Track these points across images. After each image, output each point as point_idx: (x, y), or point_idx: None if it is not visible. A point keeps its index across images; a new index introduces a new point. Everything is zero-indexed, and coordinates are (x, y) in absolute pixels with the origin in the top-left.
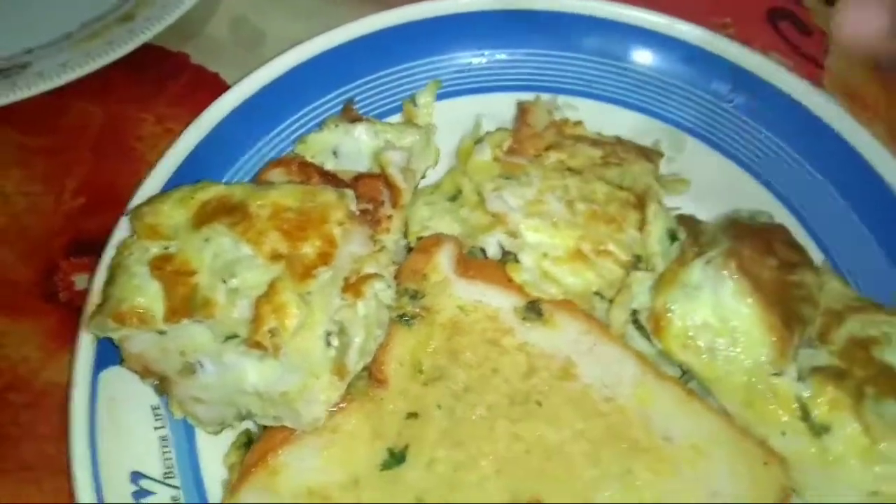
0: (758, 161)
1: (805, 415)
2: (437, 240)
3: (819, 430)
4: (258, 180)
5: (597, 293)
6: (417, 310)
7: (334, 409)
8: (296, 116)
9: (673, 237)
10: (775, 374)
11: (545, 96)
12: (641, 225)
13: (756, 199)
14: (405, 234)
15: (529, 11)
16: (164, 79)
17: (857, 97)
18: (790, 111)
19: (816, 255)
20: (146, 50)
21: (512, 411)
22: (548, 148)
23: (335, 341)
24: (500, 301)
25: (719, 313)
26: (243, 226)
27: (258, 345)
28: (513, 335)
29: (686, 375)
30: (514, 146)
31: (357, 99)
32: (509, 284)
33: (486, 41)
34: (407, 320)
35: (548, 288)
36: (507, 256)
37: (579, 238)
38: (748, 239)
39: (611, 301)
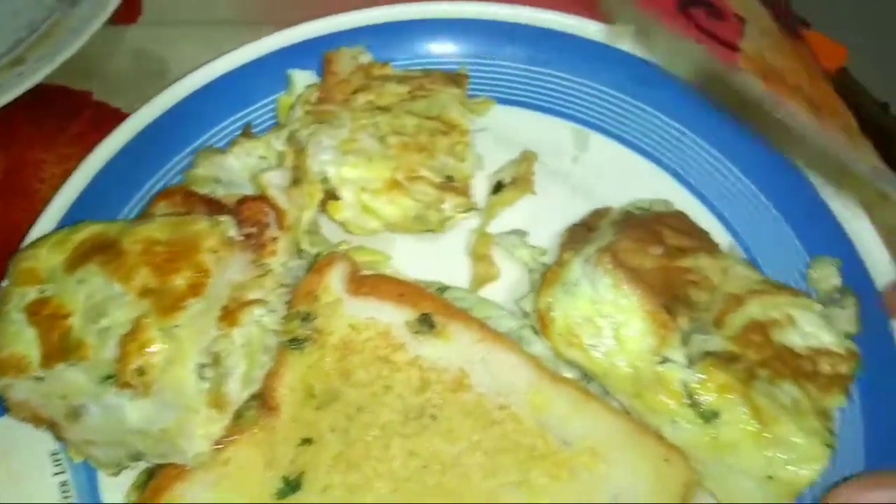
0: (662, 149)
1: (693, 402)
2: (330, 259)
3: (708, 417)
4: (144, 215)
5: (416, 218)
6: (309, 332)
7: (222, 443)
8: (194, 145)
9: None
10: (661, 363)
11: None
12: (451, 149)
13: (663, 187)
14: (300, 255)
15: (422, 21)
16: (66, 118)
17: (775, 76)
18: (689, 96)
19: (725, 239)
20: (47, 90)
21: (406, 428)
22: (355, 91)
23: (210, 373)
24: (392, 316)
25: (599, 308)
26: (115, 264)
27: (127, 384)
28: (405, 350)
29: (587, 376)
30: (322, 95)
31: (257, 122)
32: (401, 298)
33: (382, 51)
34: (297, 344)
35: (367, 222)
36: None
37: (394, 169)
38: (633, 230)
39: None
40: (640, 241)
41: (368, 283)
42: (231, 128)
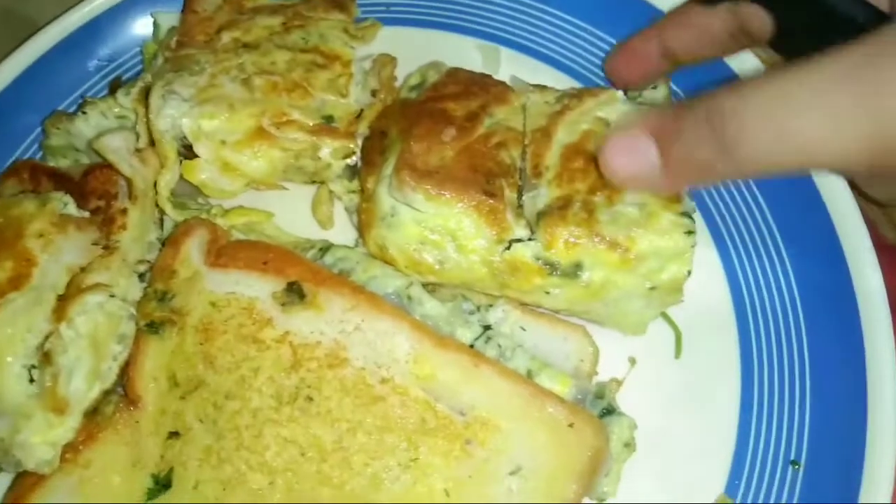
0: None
1: (553, 267)
2: (187, 227)
3: (572, 273)
4: None
5: (287, 170)
6: (167, 314)
7: (78, 446)
8: (60, 106)
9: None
10: (507, 249)
11: None
12: (332, 84)
13: None
14: (161, 223)
15: None
16: None
17: None
18: None
19: None
20: None
21: (280, 413)
22: (220, 30)
23: (42, 374)
24: (257, 289)
25: (426, 226)
26: None
27: None
28: (272, 326)
29: (486, 332)
30: (181, 38)
31: (129, 76)
32: (265, 267)
33: None
34: (155, 328)
35: (229, 183)
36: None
37: (259, 115)
38: (418, 125)
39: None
40: (429, 134)
41: (228, 251)
42: (101, 84)
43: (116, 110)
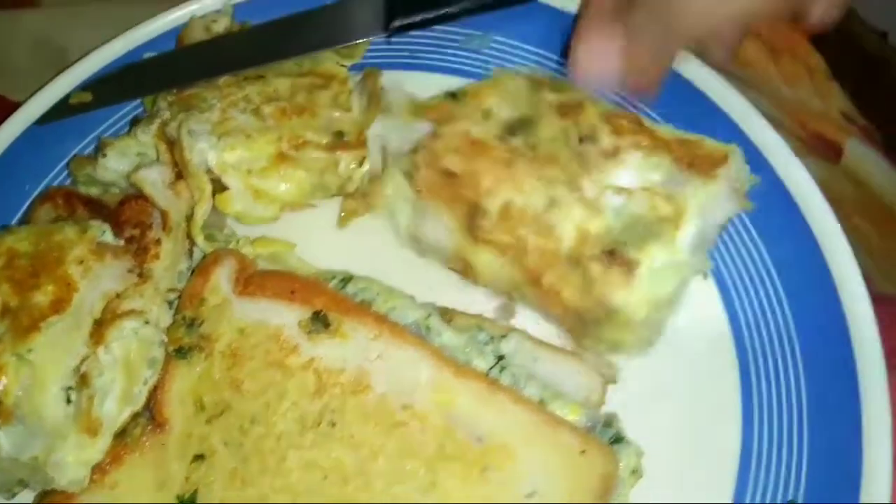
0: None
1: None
2: (216, 257)
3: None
4: (29, 219)
5: (314, 189)
6: (195, 339)
7: (106, 466)
8: (92, 136)
9: None
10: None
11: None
12: (335, 101)
13: None
14: (190, 253)
15: None
16: None
17: None
18: None
19: None
20: None
21: (304, 438)
22: None
23: (78, 396)
24: (284, 317)
25: None
26: None
27: None
28: (298, 353)
29: (500, 362)
30: None
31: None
32: (292, 296)
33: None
34: (183, 353)
35: (264, 210)
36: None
37: (277, 140)
38: None
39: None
40: None
41: (256, 280)
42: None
43: (135, 148)
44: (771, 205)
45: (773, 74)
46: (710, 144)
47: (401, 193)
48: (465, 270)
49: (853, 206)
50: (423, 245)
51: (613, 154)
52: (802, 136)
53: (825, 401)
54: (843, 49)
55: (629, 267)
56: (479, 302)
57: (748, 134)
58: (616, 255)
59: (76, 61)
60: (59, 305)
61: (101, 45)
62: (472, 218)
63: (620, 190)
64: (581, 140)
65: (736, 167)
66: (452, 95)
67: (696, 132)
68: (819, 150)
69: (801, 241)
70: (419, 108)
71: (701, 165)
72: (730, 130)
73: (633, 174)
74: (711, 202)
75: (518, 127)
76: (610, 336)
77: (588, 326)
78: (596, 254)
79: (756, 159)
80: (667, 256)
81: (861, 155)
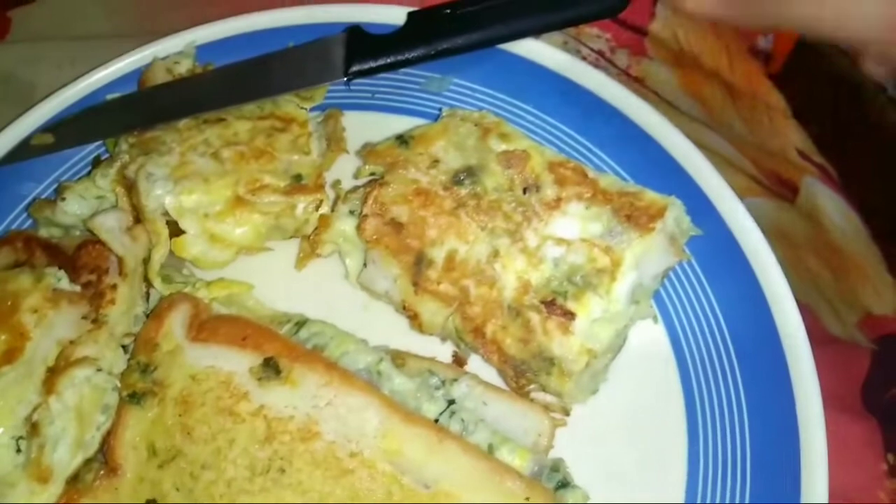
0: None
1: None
2: (171, 302)
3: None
4: None
5: (270, 232)
6: (149, 385)
7: None
8: (52, 178)
9: None
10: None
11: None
12: (294, 144)
13: None
14: (147, 296)
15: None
16: None
17: (689, 60)
18: None
19: None
20: None
21: (253, 484)
22: None
23: (26, 445)
24: (235, 363)
25: None
26: None
27: None
28: (248, 400)
29: (451, 406)
30: None
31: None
32: (244, 343)
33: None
34: (137, 399)
35: (220, 254)
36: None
37: (234, 184)
38: None
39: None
40: None
41: (209, 326)
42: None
43: (94, 192)
44: (717, 248)
45: (732, 115)
46: (650, 196)
47: (350, 239)
48: (413, 318)
49: (808, 246)
50: (372, 292)
51: (556, 205)
52: (759, 176)
53: (766, 438)
54: (814, 75)
55: (567, 317)
56: (434, 343)
57: (693, 176)
58: (555, 306)
59: (38, 102)
60: (11, 355)
61: (63, 86)
62: (417, 267)
63: (560, 241)
64: (525, 190)
65: (674, 219)
66: (402, 140)
67: (642, 176)
68: (775, 189)
69: (744, 285)
70: (370, 154)
71: (639, 218)
72: (674, 172)
73: (573, 225)
74: (647, 254)
75: (465, 175)
76: (551, 386)
77: (530, 376)
78: (535, 304)
79: (700, 202)
80: (604, 307)
81: (816, 193)
